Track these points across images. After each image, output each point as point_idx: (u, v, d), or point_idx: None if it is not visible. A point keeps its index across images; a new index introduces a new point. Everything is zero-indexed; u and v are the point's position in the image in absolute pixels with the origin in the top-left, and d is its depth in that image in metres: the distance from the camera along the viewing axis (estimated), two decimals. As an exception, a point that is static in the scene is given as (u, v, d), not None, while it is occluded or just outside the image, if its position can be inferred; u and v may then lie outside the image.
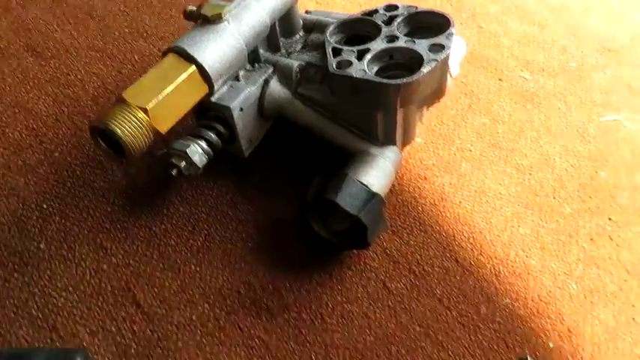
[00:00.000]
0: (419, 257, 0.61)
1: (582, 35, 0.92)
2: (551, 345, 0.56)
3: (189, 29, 0.55)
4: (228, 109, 0.56)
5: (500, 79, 0.83)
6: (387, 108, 0.57)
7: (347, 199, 0.54)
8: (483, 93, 0.80)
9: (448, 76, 0.67)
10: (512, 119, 0.77)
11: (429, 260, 0.60)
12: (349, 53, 0.59)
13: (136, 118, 0.47)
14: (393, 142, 0.60)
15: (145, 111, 0.47)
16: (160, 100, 0.48)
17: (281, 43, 0.65)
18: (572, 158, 0.73)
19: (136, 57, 0.71)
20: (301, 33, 0.67)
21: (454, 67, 0.71)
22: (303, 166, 0.65)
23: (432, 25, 0.62)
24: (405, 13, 0.63)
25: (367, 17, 0.63)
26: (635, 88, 0.85)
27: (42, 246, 0.54)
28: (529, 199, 0.68)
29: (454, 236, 0.63)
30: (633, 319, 0.59)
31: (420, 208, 0.65)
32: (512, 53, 0.87)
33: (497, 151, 0.73)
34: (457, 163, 0.70)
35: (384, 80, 0.55)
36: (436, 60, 0.56)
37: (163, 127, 0.49)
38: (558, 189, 0.70)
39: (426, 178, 0.68)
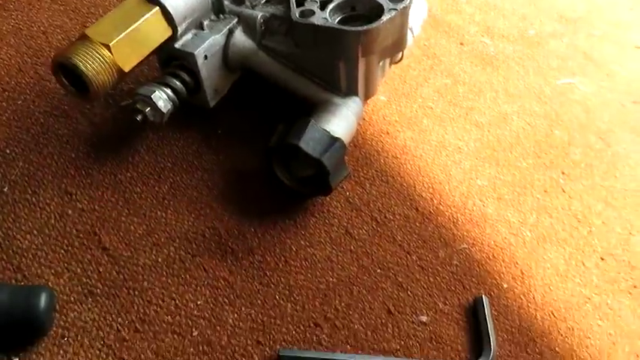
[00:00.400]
0: (380, 205, 0.62)
1: (542, 5, 0.95)
2: (505, 286, 0.59)
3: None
4: (192, 55, 0.57)
5: (461, 43, 0.85)
6: (349, 56, 0.58)
7: (309, 143, 0.55)
8: (445, 56, 0.82)
9: (409, 32, 0.69)
10: (472, 80, 0.79)
11: (390, 208, 0.62)
12: (312, 3, 0.60)
13: (99, 54, 0.47)
14: (355, 93, 0.62)
15: (108, 47, 0.48)
16: (122, 38, 0.49)
17: (245, -4, 0.65)
18: (528, 117, 0.76)
19: (101, 10, 0.71)
20: (266, -12, 0.67)
21: (416, 26, 0.73)
22: (268, 118, 0.66)
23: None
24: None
25: (331, -29, 0.64)
26: (589, 55, 0.88)
27: (5, 189, 0.54)
28: (487, 154, 0.70)
29: (415, 186, 0.65)
30: (583, 263, 0.62)
31: (382, 160, 0.67)
32: (474, 19, 0.90)
33: (458, 109, 0.75)
34: (419, 119, 0.72)
35: (345, 27, 0.56)
36: (395, 9, 0.57)
37: (126, 66, 0.49)
38: (515, 145, 0.72)
39: (388, 133, 0.70)
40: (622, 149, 0.75)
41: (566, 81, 0.83)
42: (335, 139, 0.56)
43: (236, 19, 0.62)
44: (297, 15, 0.59)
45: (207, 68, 0.59)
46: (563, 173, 0.71)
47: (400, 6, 0.58)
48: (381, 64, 0.65)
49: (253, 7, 0.65)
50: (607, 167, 0.73)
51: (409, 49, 0.67)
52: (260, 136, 0.64)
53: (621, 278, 0.62)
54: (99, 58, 0.47)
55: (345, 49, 0.58)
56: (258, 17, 0.61)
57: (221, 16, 0.62)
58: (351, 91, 0.62)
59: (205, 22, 0.60)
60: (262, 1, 0.66)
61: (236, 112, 0.66)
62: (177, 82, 0.58)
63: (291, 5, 0.60)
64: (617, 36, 0.94)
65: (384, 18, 0.57)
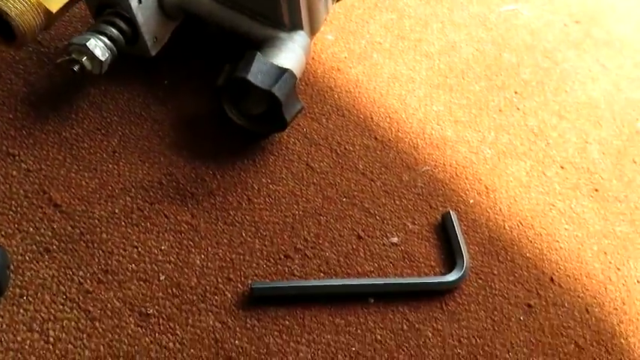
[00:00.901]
0: (339, 138, 0.61)
1: (477, -62, 0.95)
2: (471, 201, 0.59)
3: None
4: (125, 0, 0.54)
5: (403, -20, 0.84)
6: (289, -13, 0.57)
7: (258, 76, 0.53)
8: (388, -8, 0.81)
9: None
10: (417, 14, 0.79)
11: (349, 140, 0.61)
12: (246, -63, 0.58)
13: (23, -5, 0.44)
14: (300, 27, 0.60)
15: (33, -12, 0.45)
16: (47, -22, 0.46)
17: (176, -61, 0.63)
18: (476, 44, 0.76)
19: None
20: None
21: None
22: (214, 64, 0.64)
23: None
24: None
25: None
26: (529, -19, 0.89)
27: (-60, 155, 0.51)
28: (440, 81, 0.70)
29: (372, 117, 0.64)
30: (543, 173, 0.63)
31: (336, 95, 0.66)
32: (413, -43, 0.89)
33: (406, 42, 0.74)
34: (369, 54, 0.71)
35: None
36: None
37: (53, 6, 0.47)
38: (466, 70, 0.72)
39: (339, 70, 0.69)
40: (569, 66, 0.76)
41: (509, 7, 0.84)
42: (284, 70, 0.55)
43: (168, -38, 0.59)
44: (231, -52, 0.57)
45: (142, 14, 0.57)
46: (515, 93, 0.71)
47: None
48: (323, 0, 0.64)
49: (186, -51, 0.62)
50: (557, 84, 0.73)
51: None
52: (207, 82, 0.62)
53: (582, 184, 0.63)
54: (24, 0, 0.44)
55: (283, -21, 0.56)
56: (191, -44, 0.59)
57: (152, -41, 0.60)
58: (295, 26, 0.60)
59: (136, -34, 0.57)
60: (194, -58, 0.64)
61: (181, 61, 0.64)
62: (114, 30, 0.55)
63: (224, -60, 0.58)
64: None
65: (321, -59, 0.55)
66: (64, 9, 0.48)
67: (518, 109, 0.69)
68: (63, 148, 0.54)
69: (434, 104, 0.67)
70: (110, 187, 0.53)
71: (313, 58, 0.69)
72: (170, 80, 0.62)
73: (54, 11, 0.47)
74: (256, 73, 0.54)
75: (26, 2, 0.44)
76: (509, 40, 0.78)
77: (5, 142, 0.53)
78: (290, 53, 0.58)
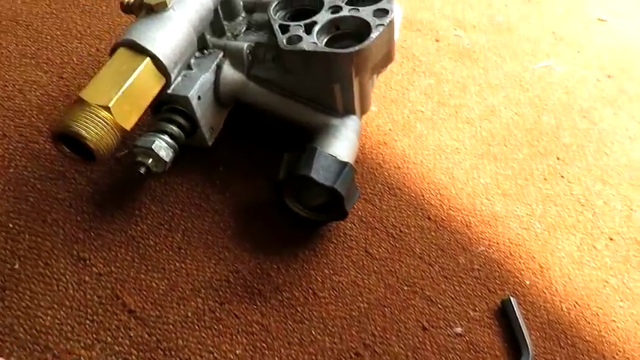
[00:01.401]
0: (394, 220, 0.62)
1: (504, -11, 0.96)
2: (527, 282, 0.60)
3: (126, 25, 0.53)
4: (186, 99, 0.55)
5: (436, 40, 0.85)
6: (343, 78, 0.58)
7: (320, 172, 0.54)
8: (424, 55, 0.82)
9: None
10: (454, 76, 0.80)
11: (403, 221, 0.62)
12: (297, 28, 0.59)
13: (100, 118, 0.45)
14: (352, 112, 0.61)
15: (108, 109, 0.46)
16: (120, 96, 0.47)
17: (225, 27, 0.64)
18: (514, 107, 0.77)
19: (75, 59, 0.68)
20: (243, 14, 0.66)
21: (395, 31, 0.72)
22: (267, 147, 0.65)
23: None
24: (346, -19, 0.64)
25: (309, -9, 0.64)
26: (558, 34, 0.90)
27: (16, 267, 0.52)
28: (484, 150, 0.71)
29: (422, 195, 0.65)
30: (594, 246, 0.64)
31: (385, 173, 0.67)
32: (444, 13, 0.90)
33: (447, 109, 0.75)
34: (412, 125, 0.72)
35: (337, 50, 0.55)
36: (382, 24, 0.57)
37: (127, 124, 0.47)
38: (508, 137, 0.73)
39: (385, 144, 0.70)
40: (607, 125, 0.77)
41: (543, 64, 0.85)
42: (344, 164, 0.56)
43: (221, 53, 0.60)
44: (285, 42, 0.58)
45: (201, 108, 0.58)
46: (558, 158, 0.72)
47: (386, 21, 0.57)
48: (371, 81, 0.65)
49: (235, 38, 0.64)
50: (596, 146, 0.75)
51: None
52: (262, 166, 0.63)
53: (631, 255, 0.64)
54: (100, 122, 0.45)
55: (338, 72, 0.57)
56: (244, 48, 0.60)
57: (205, 51, 0.60)
58: (348, 111, 0.61)
59: (192, 61, 0.58)
60: (243, 30, 0.65)
61: (234, 145, 0.65)
62: (174, 128, 0.56)
63: (276, 33, 0.59)
64: (579, 10, 0.96)
65: (373, 36, 0.56)
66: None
67: (562, 176, 0.70)
68: (130, 247, 0.55)
69: (481, 176, 0.68)
70: (180, 289, 0.53)
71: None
72: (225, 166, 0.63)
73: (129, 128, 0.48)
74: (318, 170, 0.55)
75: (104, 125, 0.45)
76: (545, 100, 0.79)
77: (75, 247, 0.54)
78: (345, 141, 0.59)
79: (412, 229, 0.62)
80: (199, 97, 0.57)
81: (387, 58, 0.62)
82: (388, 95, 0.76)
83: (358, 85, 0.60)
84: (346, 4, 0.62)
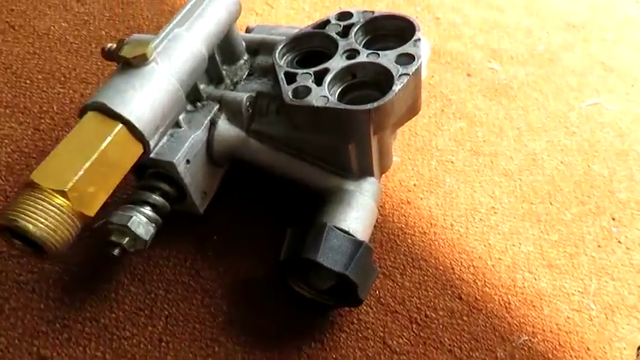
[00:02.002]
0: (417, 300, 0.52)
1: (543, 13, 0.86)
2: (581, 381, 0.49)
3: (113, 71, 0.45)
4: (171, 164, 0.46)
5: (468, 74, 0.75)
6: (360, 137, 0.48)
7: (329, 256, 0.45)
8: (454, 92, 0.72)
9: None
10: (489, 118, 0.70)
11: (429, 302, 0.52)
12: (305, 77, 0.50)
13: (52, 205, 0.37)
14: (370, 174, 0.52)
15: (64, 194, 0.37)
16: (81, 176, 0.38)
17: (224, 73, 0.55)
18: (560, 154, 0.67)
19: (55, 107, 0.60)
20: (245, 57, 0.57)
21: (423, 70, 0.63)
22: (272, 211, 0.55)
23: (393, 30, 0.54)
24: (362, 20, 0.54)
25: (319, 30, 0.54)
26: (608, 65, 0.79)
27: (-38, 371, 0.44)
28: (525, 209, 0.61)
29: (452, 268, 0.55)
30: (661, 332, 0.53)
31: (409, 240, 0.57)
32: (476, 43, 0.80)
33: (481, 158, 0.65)
34: (440, 178, 0.63)
35: (352, 107, 0.46)
36: (407, 74, 0.47)
37: (91, 209, 0.39)
38: (553, 192, 0.63)
39: (409, 202, 0.60)
40: (670, 176, 0.66)
41: (592, 102, 0.74)
42: (359, 244, 0.46)
43: (217, 106, 0.52)
44: (290, 95, 0.48)
45: (191, 173, 0.49)
46: (613, 219, 0.61)
47: (412, 69, 0.48)
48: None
49: (234, 85, 0.55)
50: (659, 202, 0.63)
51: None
52: (264, 234, 0.54)
53: None
54: (53, 210, 0.37)
55: (354, 130, 0.48)
56: (244, 100, 0.51)
57: (198, 104, 0.52)
58: (365, 172, 0.52)
59: (181, 117, 0.49)
60: (244, 76, 0.56)
61: (231, 209, 0.56)
62: (158, 197, 0.47)
63: (281, 84, 0.50)
64: (631, 36, 0.85)
65: (396, 88, 0.47)
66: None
67: (619, 242, 0.59)
68: (102, 340, 0.47)
69: (522, 243, 0.58)
70: (159, 396, 0.45)
71: (379, 189, 0.61)
72: (220, 234, 0.54)
73: (93, 214, 0.39)
74: (327, 252, 0.45)
75: (58, 215, 0.36)
76: (596, 145, 0.68)
77: (36, 342, 0.46)
78: (361, 211, 0.49)
79: (440, 312, 0.52)
80: (188, 161, 0.48)
81: (413, 110, 0.52)
82: (413, 143, 0.66)
83: (377, 144, 0.51)
84: (364, 46, 0.53)
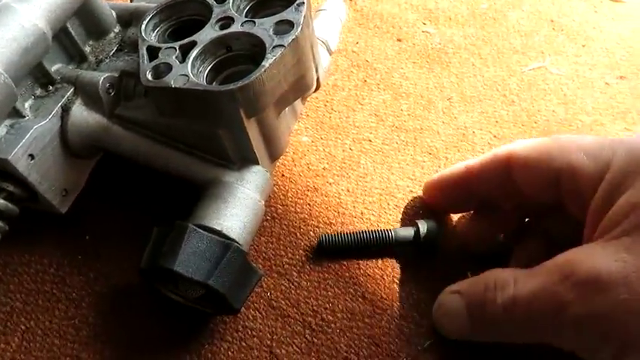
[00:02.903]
0: (315, 302, 0.47)
1: (492, -34, 0.77)
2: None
3: None
4: (6, 162, 0.40)
5: (399, 39, 0.68)
6: (230, 122, 0.42)
7: (190, 263, 0.39)
8: (380, 61, 0.65)
9: (323, 50, 0.52)
10: (417, 89, 0.63)
11: (327, 304, 0.47)
12: (169, 52, 0.43)
13: None
14: (253, 162, 0.45)
15: None
16: None
17: (88, 49, 0.48)
18: (493, 127, 0.60)
19: None
20: (116, 29, 0.50)
21: (332, 38, 0.56)
22: (150, 211, 0.49)
23: (284, -7, 0.46)
24: (245, -19, 0.47)
25: (195, -6, 0.47)
26: (558, 23, 0.71)
27: None
28: (448, 192, 0.54)
29: (358, 263, 0.49)
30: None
31: (311, 232, 0.51)
32: (412, 3, 0.72)
33: (404, 135, 0.58)
34: (355, 160, 0.56)
35: (212, 88, 0.40)
36: (282, 45, 0.40)
37: None
38: (482, 171, 0.56)
39: (316, 189, 0.53)
40: (616, 147, 0.59)
41: (535, 66, 0.66)
42: (226, 246, 0.40)
43: (71, 90, 0.45)
44: (149, 75, 0.42)
45: (38, 169, 0.42)
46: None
47: (288, 40, 0.41)
48: (287, 109, 0.48)
49: (98, 64, 0.48)
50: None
51: (322, 74, 0.51)
52: (141, 234, 0.48)
53: None
54: None
55: (220, 115, 0.41)
56: (101, 81, 0.44)
57: (50, 87, 0.45)
58: (246, 161, 0.45)
59: (26, 105, 0.43)
60: (112, 52, 0.49)
61: (105, 205, 0.50)
62: (0, 200, 0.41)
63: (141, 61, 0.43)
64: (587, -11, 0.77)
65: (267, 63, 0.40)
66: None
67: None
68: (-58, 364, 0.41)
69: (440, 231, 0.52)
70: None
71: (283, 175, 0.54)
72: (93, 234, 0.48)
73: None
74: (187, 259, 0.39)
75: None
76: (536, 115, 0.61)
77: None
78: (239, 206, 0.43)
79: (339, 314, 0.46)
80: (32, 156, 0.42)
81: (301, 86, 0.45)
82: (328, 121, 0.59)
83: (257, 128, 0.44)
84: (248, 12, 0.46)
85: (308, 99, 0.59)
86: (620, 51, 0.68)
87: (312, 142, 0.57)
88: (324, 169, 0.55)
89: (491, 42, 0.68)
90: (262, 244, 0.49)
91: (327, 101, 0.60)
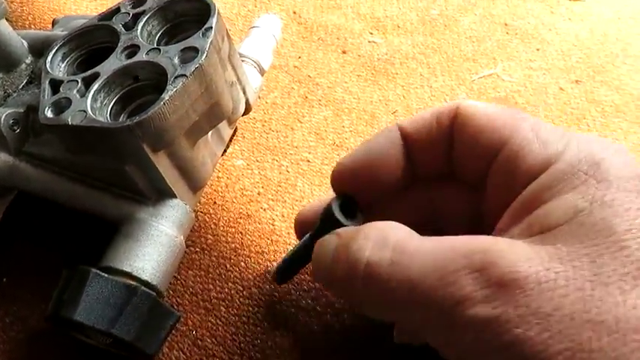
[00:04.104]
0: (243, 339, 0.44)
1: (443, -31, 0.75)
2: None
3: None
4: None
5: (344, 51, 0.65)
6: (135, 158, 0.39)
7: (91, 310, 0.37)
8: (323, 75, 0.63)
9: (254, 75, 0.50)
10: (360, 103, 0.60)
11: (255, 341, 0.44)
12: (71, 86, 0.41)
13: None
14: (169, 195, 0.43)
15: None
16: None
17: (-2, 83, 0.46)
18: (440, 140, 0.57)
19: None
20: (28, 60, 0.48)
21: (264, 59, 0.53)
22: (71, 248, 0.47)
23: (196, 15, 0.44)
24: (155, 5, 0.44)
25: (104, 22, 0.45)
26: (511, 26, 0.69)
27: None
28: (388, 213, 0.52)
29: (297, 297, 0.47)
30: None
31: (242, 263, 0.48)
32: (359, 12, 0.70)
33: (345, 153, 0.56)
34: (292, 182, 0.54)
35: (107, 124, 0.38)
36: (184, 75, 0.38)
37: None
38: (425, 188, 0.54)
39: (249, 216, 0.51)
40: (568, 156, 0.57)
41: (486, 73, 0.64)
42: (132, 290, 0.38)
43: (-27, 128, 0.42)
44: (48, 112, 0.39)
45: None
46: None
47: (190, 69, 0.38)
48: (210, 134, 0.46)
49: (5, 99, 0.45)
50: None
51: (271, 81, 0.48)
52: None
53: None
54: None
55: (124, 151, 0.39)
56: (2, 118, 0.42)
57: (-48, 127, 0.43)
58: (162, 195, 0.43)
59: None
60: (21, 85, 0.46)
61: (28, 244, 0.47)
62: None
63: (41, 96, 0.41)
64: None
65: (166, 95, 0.37)
66: None
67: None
68: None
69: (379, 256, 0.49)
70: None
71: (215, 202, 0.52)
72: (10, 277, 0.46)
73: None
74: (89, 306, 0.37)
75: None
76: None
77: None
78: (152, 245, 0.41)
79: (268, 351, 0.44)
80: None
81: (215, 115, 0.43)
82: (264, 142, 0.57)
83: (169, 160, 0.42)
84: (161, 38, 0.44)
85: (243, 120, 0.56)
86: (577, 53, 0.66)
87: (247, 165, 0.55)
88: (258, 193, 0.53)
89: (441, 50, 0.66)
90: (190, 279, 0.47)
91: (264, 121, 0.58)
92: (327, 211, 0.36)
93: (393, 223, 0.32)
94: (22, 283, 0.46)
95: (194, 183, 0.45)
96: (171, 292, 0.46)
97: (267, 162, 0.55)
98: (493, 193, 0.35)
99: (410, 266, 0.29)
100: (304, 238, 0.40)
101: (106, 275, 0.38)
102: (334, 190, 0.40)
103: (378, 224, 0.33)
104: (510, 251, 0.28)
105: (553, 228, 0.29)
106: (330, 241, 0.34)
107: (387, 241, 0.31)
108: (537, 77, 0.64)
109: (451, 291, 0.27)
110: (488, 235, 0.32)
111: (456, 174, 0.37)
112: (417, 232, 0.32)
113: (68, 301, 0.37)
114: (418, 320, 0.30)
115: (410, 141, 0.37)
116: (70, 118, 0.38)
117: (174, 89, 0.38)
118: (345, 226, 0.35)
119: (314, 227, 0.39)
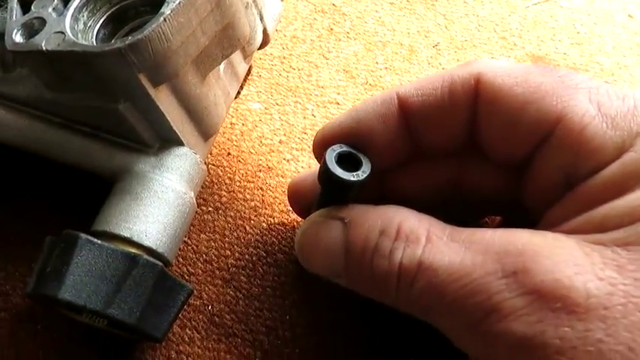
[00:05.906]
0: (268, 315, 0.37)
1: None
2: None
3: None
4: None
5: (373, -23, 0.56)
6: (130, 94, 0.31)
7: (81, 286, 0.29)
8: (350, 3, 0.54)
9: (256, 17, 0.41)
10: (396, 36, 0.52)
11: (285, 317, 0.37)
12: (46, 2, 0.32)
13: None
14: (175, 142, 0.35)
15: None
16: None
17: (-42, 8, 0.37)
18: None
19: None
20: (-3, -19, 0.39)
21: (270, 20, 0.44)
22: (64, 209, 0.39)
23: None
24: None
25: None
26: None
27: None
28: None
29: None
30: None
31: (264, 224, 0.40)
32: None
33: (378, 93, 0.47)
34: (318, 127, 0.45)
35: (91, 47, 0.29)
36: (189, -14, 0.29)
37: None
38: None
39: (270, 169, 0.43)
40: None
41: (540, -1, 0.55)
42: (133, 260, 0.30)
43: None
44: (17, 35, 0.31)
45: None
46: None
47: (197, -24, 0.29)
48: (222, 67, 0.38)
49: (-32, 26, 0.36)
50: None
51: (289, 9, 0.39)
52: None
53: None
54: None
55: (115, 85, 0.30)
56: (-37, 49, 0.33)
57: None
58: (167, 142, 0.35)
59: None
60: (-11, 9, 0.37)
61: (12, 207, 0.40)
62: None
63: (8, 16, 0.32)
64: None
65: (167, 9, 0.29)
66: None
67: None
68: None
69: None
70: None
71: (229, 153, 0.44)
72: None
73: None
74: (77, 283, 0.29)
75: None
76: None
77: None
78: (156, 204, 0.33)
79: (299, 330, 0.36)
80: None
81: (233, 38, 0.34)
82: (284, 81, 0.48)
83: (174, 98, 0.33)
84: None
85: (258, 55, 0.48)
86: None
87: (266, 109, 0.46)
88: (280, 142, 0.44)
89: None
90: (202, 243, 0.39)
91: (283, 57, 0.49)
92: (326, 170, 0.28)
93: (405, 210, 0.27)
94: (5, 251, 0.38)
95: (205, 128, 0.37)
96: (180, 259, 0.38)
97: (289, 105, 0.46)
98: (542, 176, 0.28)
99: (437, 270, 0.24)
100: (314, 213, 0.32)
101: (99, 242, 0.30)
102: (318, 160, 0.33)
103: (400, 212, 0.27)
104: (552, 252, 0.22)
105: (616, 228, 0.23)
106: (332, 227, 0.29)
107: (414, 236, 0.26)
108: (601, 3, 0.54)
109: (479, 300, 0.23)
110: (530, 224, 0.26)
111: (483, 151, 0.30)
112: (438, 213, 0.27)
113: (52, 274, 0.29)
114: (448, 329, 0.25)
115: (412, 112, 0.29)
116: (45, 42, 0.29)
117: (178, 2, 0.29)
118: (350, 182, 0.27)
119: (317, 194, 0.31)
